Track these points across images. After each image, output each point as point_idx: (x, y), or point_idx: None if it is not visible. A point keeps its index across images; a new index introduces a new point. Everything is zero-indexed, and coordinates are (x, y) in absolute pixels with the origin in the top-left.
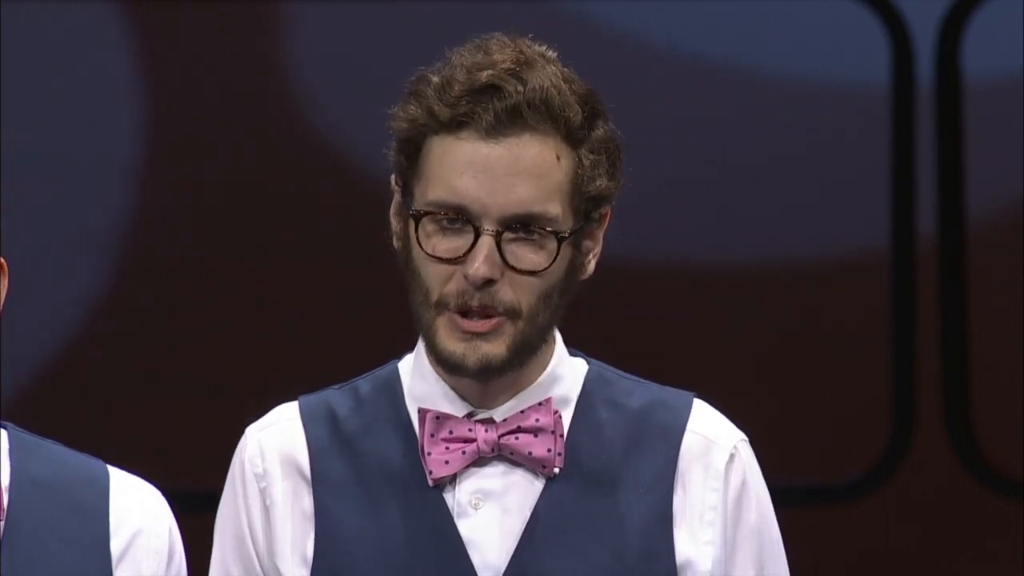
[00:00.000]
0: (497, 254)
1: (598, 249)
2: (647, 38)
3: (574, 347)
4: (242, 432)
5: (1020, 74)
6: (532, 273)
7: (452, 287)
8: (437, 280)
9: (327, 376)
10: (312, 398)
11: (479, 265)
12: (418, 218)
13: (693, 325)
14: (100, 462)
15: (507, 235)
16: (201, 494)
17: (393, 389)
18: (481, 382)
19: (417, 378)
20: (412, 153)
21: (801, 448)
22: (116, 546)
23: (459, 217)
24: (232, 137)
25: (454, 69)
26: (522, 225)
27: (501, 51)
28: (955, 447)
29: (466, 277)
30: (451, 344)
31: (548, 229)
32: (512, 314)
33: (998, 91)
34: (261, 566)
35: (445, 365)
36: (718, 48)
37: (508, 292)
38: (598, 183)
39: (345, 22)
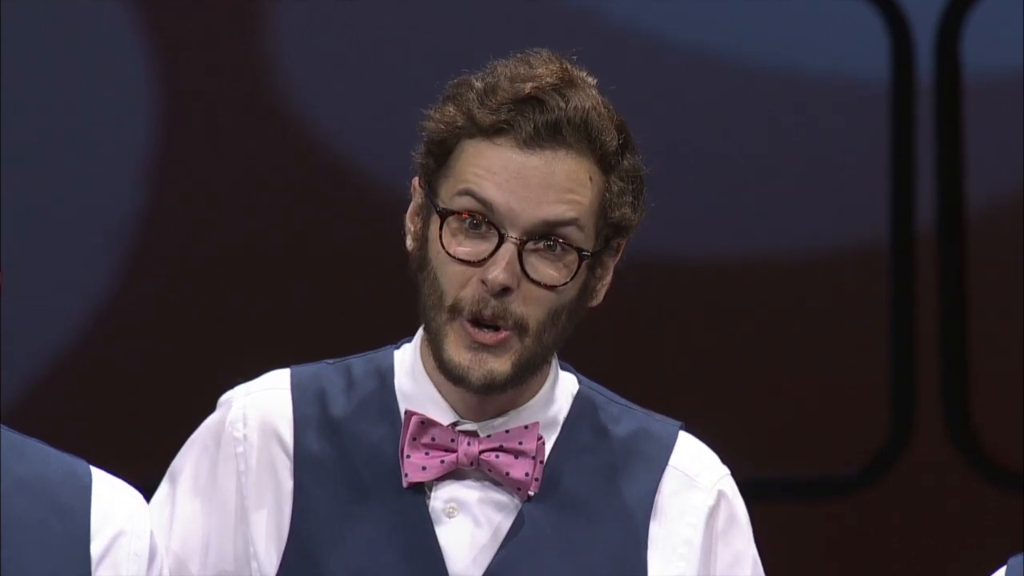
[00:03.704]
0: (517, 263)
1: (608, 279)
2: (649, 31)
3: (574, 346)
4: None
5: (1019, 69)
6: (548, 288)
7: (468, 292)
8: (454, 283)
9: None
10: (304, 370)
11: (499, 271)
12: (444, 216)
13: (691, 318)
14: (84, 463)
15: (529, 245)
16: None
17: (385, 378)
18: (481, 396)
19: (409, 376)
20: (443, 155)
21: (801, 441)
22: (96, 548)
23: (484, 220)
24: (239, 139)
25: (498, 77)
26: (545, 237)
27: (546, 66)
28: (954, 439)
29: (484, 282)
30: (458, 354)
31: (571, 244)
32: (520, 329)
33: (997, 86)
34: (216, 529)
35: (449, 375)
36: (720, 42)
37: (520, 305)
38: (623, 211)
39: (354, 24)
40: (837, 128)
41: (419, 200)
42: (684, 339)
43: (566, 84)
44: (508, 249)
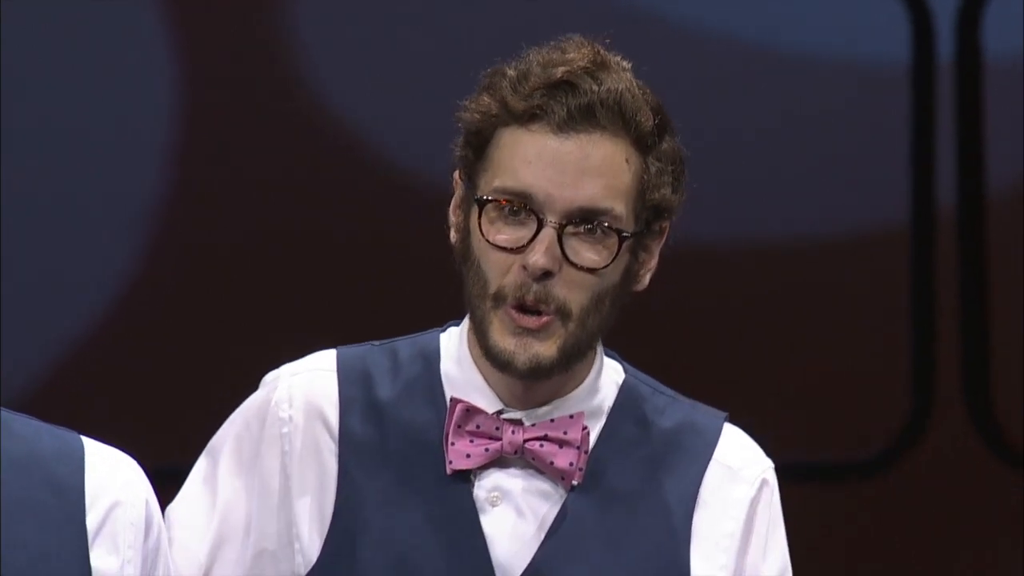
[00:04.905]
0: (557, 247)
1: (653, 264)
2: (676, 17)
3: (612, 337)
4: None
5: None
6: (590, 271)
7: (510, 279)
8: (496, 270)
9: None
10: (350, 351)
11: (539, 256)
12: (482, 204)
13: (714, 301)
14: (76, 435)
15: (569, 229)
16: None
17: (430, 362)
18: (527, 382)
19: (455, 363)
20: (480, 145)
21: (822, 424)
22: (92, 521)
23: (523, 207)
24: (260, 127)
25: (530, 64)
26: (584, 220)
27: (578, 50)
28: (974, 421)
29: (525, 268)
30: (503, 340)
31: (610, 226)
32: (563, 314)
33: (1016, 68)
34: (257, 507)
35: (495, 361)
36: (746, 27)
37: (562, 289)
38: (662, 192)
39: (378, 10)
40: (859, 112)
41: (460, 193)
42: (704, 323)
43: (598, 67)
44: (547, 233)
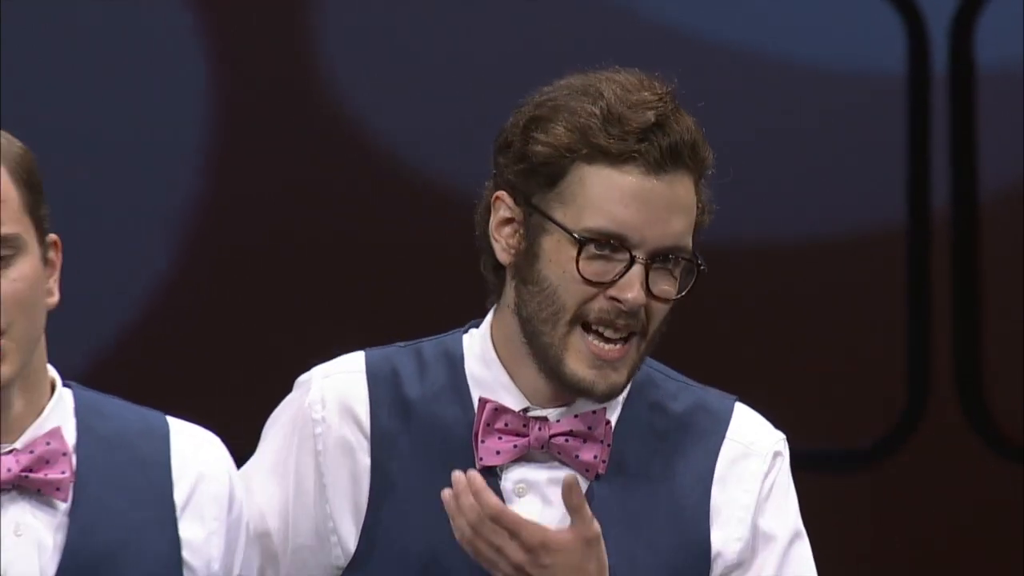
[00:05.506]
0: (646, 282)
1: None
2: (680, 29)
3: None
4: None
5: None
6: (666, 300)
7: (595, 305)
8: (578, 298)
9: None
10: (378, 353)
11: (636, 292)
12: (583, 243)
13: (720, 298)
14: (159, 414)
15: (655, 264)
16: None
17: (455, 363)
18: (559, 389)
19: (480, 363)
20: (553, 176)
21: (821, 416)
22: (179, 495)
23: (619, 245)
24: (292, 129)
25: (613, 104)
26: (667, 256)
27: (651, 91)
28: (967, 414)
29: (617, 300)
30: (581, 369)
31: (686, 259)
32: (640, 337)
33: (1008, 78)
34: (294, 504)
35: (571, 387)
36: (753, 41)
37: (643, 317)
38: (706, 217)
39: (403, 19)
40: (858, 120)
41: (507, 214)
42: (707, 319)
43: (676, 109)
44: (639, 270)
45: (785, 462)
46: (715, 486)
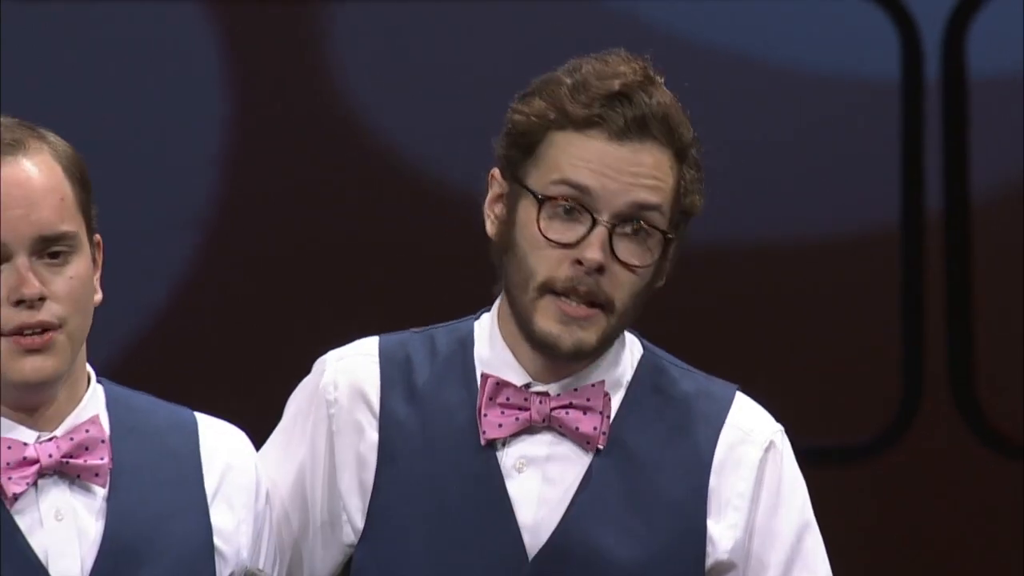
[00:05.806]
0: (608, 244)
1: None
2: (679, 34)
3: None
4: None
5: (1020, 69)
6: (633, 268)
7: (562, 272)
8: (546, 263)
9: None
10: (391, 338)
11: (595, 251)
12: (543, 202)
13: (720, 298)
14: (187, 409)
15: (618, 229)
16: None
17: (466, 348)
18: (564, 363)
19: (486, 344)
20: (530, 145)
21: (817, 413)
22: (210, 484)
23: (579, 206)
24: (307, 131)
25: (584, 74)
26: (632, 221)
27: (628, 64)
28: (960, 410)
29: (579, 262)
30: (548, 324)
31: (655, 227)
32: (607, 308)
33: (1000, 84)
34: (310, 482)
35: (539, 344)
36: (748, 44)
37: (608, 286)
38: (693, 198)
39: (415, 26)
40: (852, 124)
41: (498, 189)
42: (705, 318)
43: (648, 82)
44: (601, 232)
45: (782, 454)
46: (713, 470)
